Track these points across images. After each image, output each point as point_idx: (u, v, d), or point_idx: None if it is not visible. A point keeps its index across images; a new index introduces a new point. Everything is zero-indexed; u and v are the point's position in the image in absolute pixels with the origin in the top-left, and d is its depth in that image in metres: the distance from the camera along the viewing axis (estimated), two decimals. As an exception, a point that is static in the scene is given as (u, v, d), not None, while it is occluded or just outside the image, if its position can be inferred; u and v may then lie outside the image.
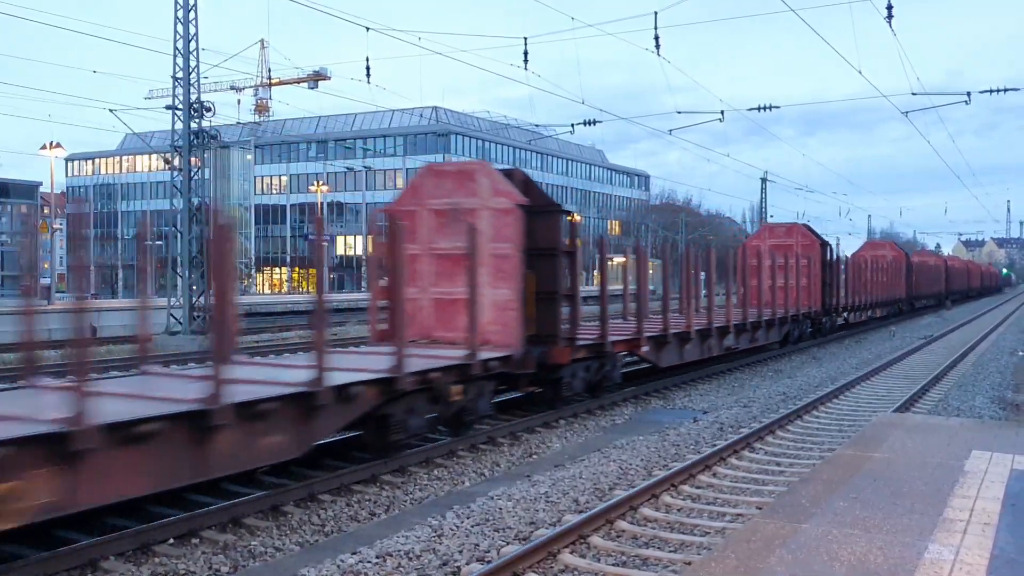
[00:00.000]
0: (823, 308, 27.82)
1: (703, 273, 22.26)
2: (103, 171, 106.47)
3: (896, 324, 38.01)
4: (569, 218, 13.74)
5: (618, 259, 33.10)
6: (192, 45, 27.13)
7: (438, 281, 12.57)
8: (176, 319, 28.58)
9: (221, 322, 7.99)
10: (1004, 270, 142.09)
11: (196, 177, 28.41)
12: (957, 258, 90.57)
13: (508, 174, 12.77)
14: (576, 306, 13.20)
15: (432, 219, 12.73)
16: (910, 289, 44.35)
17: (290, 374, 8.91)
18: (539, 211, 12.64)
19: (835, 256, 29.91)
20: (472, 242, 11.11)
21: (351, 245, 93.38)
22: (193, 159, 28.16)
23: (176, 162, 28.51)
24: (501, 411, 13.04)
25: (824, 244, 28.49)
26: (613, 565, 6.91)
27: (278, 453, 8.24)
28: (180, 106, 27.59)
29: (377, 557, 6.90)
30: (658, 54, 23.15)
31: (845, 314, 31.72)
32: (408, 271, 11.46)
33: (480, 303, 11.33)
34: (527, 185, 12.90)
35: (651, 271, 38.71)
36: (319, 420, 8.50)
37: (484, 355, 11.04)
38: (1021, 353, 24.51)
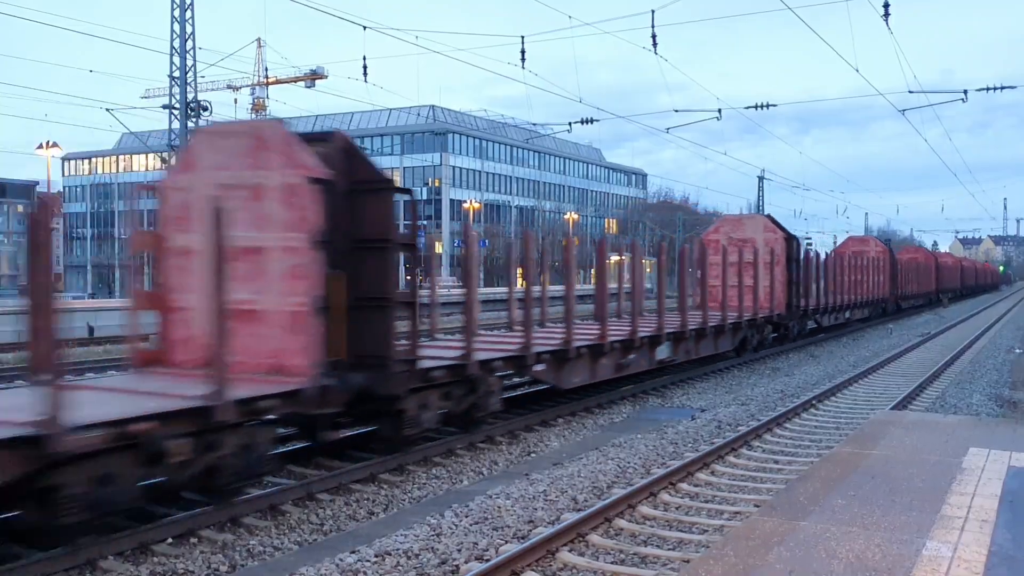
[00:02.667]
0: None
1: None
2: (100, 170, 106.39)
3: (894, 323, 37.92)
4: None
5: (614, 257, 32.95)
6: (189, 44, 27.11)
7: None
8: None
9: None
10: (1001, 267, 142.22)
11: (193, 176, 28.36)
12: (950, 255, 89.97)
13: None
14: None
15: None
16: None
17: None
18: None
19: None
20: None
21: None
22: (190, 158, 28.10)
23: (173, 161, 28.46)
24: (502, 409, 13.01)
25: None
26: (612, 563, 6.92)
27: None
28: (177, 105, 27.57)
29: (376, 556, 6.90)
30: (655, 52, 23.18)
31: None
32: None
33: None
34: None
35: (648, 270, 38.48)
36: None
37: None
38: (1018, 351, 24.56)
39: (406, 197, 10.76)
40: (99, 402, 7.23)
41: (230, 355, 7.87)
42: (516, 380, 14.87)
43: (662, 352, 16.37)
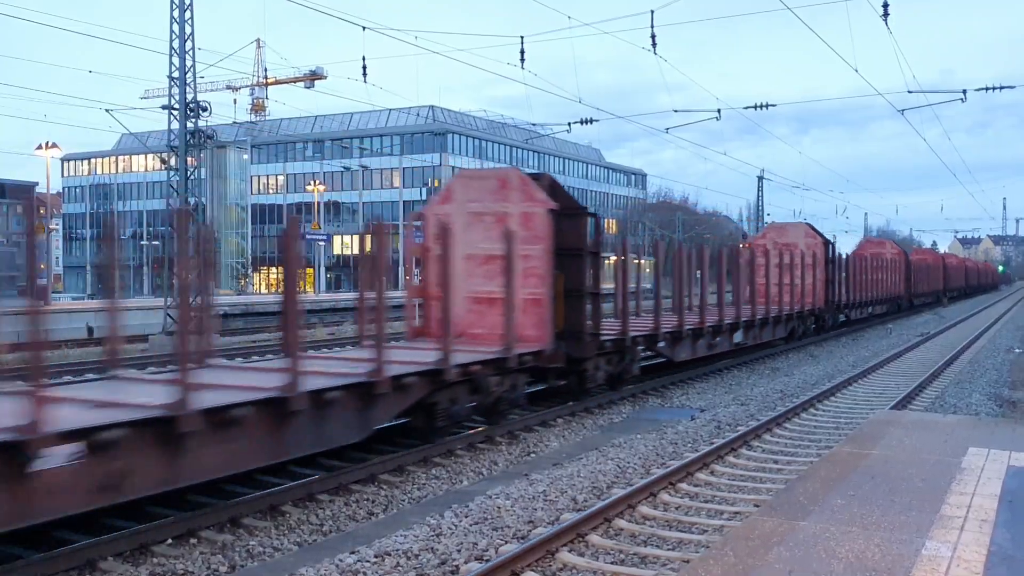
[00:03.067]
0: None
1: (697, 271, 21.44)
2: (99, 171, 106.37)
3: (893, 322, 38.11)
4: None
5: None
6: (188, 45, 27.08)
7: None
8: (173, 319, 28.53)
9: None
10: (1000, 267, 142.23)
11: (192, 177, 28.37)
12: (954, 256, 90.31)
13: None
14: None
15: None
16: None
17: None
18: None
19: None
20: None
21: (348, 244, 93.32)
22: (189, 159, 28.12)
23: (172, 162, 28.46)
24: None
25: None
26: (611, 563, 6.92)
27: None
28: (176, 106, 27.55)
29: (375, 556, 6.90)
30: (654, 52, 23.16)
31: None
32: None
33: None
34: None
35: (647, 270, 38.54)
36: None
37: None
38: (1018, 350, 24.56)
39: (592, 219, 14.27)
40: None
41: (483, 329, 12.73)
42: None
43: (738, 336, 20.48)
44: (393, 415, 10.11)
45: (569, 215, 13.51)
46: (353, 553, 6.99)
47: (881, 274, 37.01)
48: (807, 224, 29.73)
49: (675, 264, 18.91)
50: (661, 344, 16.74)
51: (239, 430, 7.62)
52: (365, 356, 10.05)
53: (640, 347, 15.99)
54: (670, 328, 16.87)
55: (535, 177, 13.58)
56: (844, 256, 31.77)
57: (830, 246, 28.75)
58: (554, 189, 13.49)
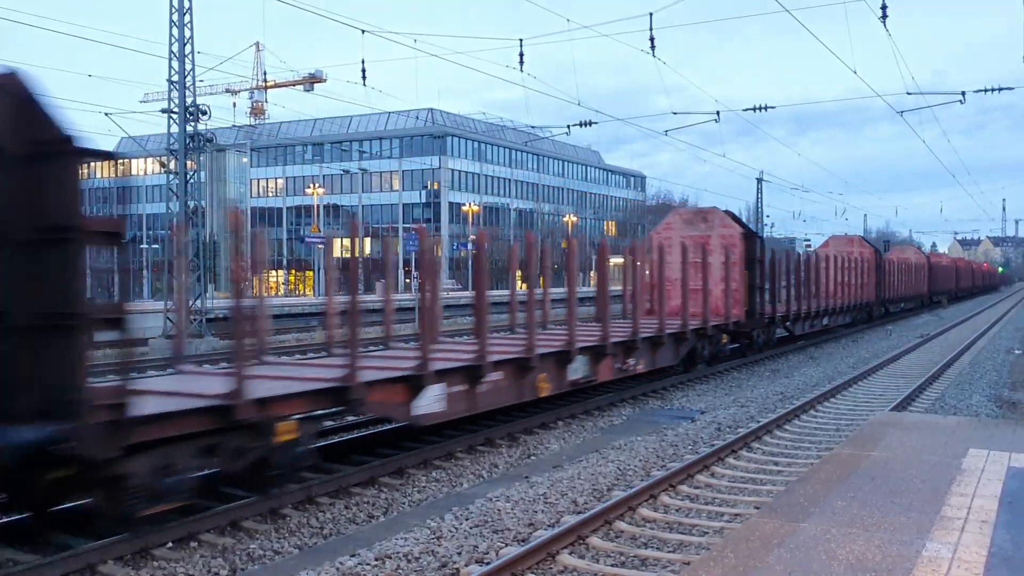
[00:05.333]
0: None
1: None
2: (99, 175, 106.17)
3: (891, 325, 37.93)
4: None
5: (615, 260, 32.98)
6: (187, 48, 27.11)
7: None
8: (173, 322, 28.53)
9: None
10: (1000, 268, 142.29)
11: (192, 180, 28.38)
12: (944, 255, 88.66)
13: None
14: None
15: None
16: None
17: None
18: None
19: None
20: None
21: (348, 247, 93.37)
22: (189, 162, 28.13)
23: (172, 165, 28.48)
24: (501, 412, 13.07)
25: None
26: (612, 565, 6.92)
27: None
28: (175, 109, 27.57)
29: (376, 559, 6.90)
30: (653, 55, 23.22)
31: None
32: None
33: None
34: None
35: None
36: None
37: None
38: (1017, 351, 24.57)
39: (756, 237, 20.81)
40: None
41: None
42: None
43: (826, 320, 29.24)
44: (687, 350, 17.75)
45: (749, 237, 20.85)
46: (353, 556, 6.99)
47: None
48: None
49: (806, 268, 26.54)
50: (788, 323, 24.15)
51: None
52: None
53: (776, 325, 23.17)
54: (796, 311, 24.54)
55: (730, 215, 21.05)
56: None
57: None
58: (730, 216, 21.11)
